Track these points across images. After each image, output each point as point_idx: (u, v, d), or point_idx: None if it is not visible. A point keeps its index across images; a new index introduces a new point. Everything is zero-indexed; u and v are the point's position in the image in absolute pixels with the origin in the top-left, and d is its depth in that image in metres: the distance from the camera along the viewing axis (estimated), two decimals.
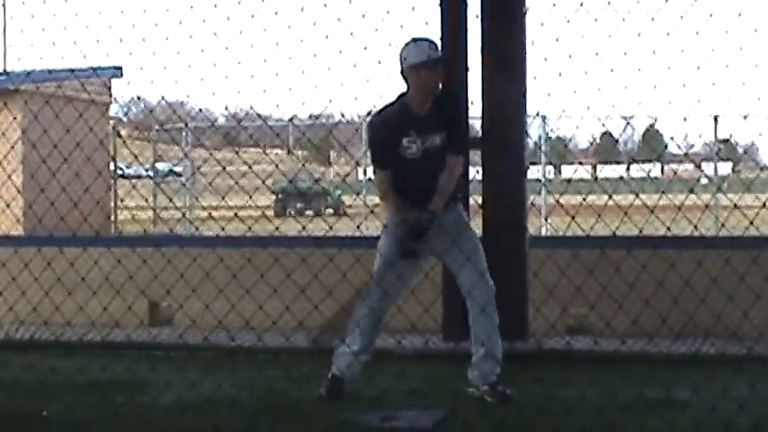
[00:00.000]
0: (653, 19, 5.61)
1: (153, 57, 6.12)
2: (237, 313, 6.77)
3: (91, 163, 8.11)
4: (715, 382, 5.21)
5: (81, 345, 7.06)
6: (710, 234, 11.56)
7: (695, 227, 5.68)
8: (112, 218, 17.43)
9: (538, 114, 15.60)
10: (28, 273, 7.15)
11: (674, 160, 23.27)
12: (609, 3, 5.86)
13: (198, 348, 6.80)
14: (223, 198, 6.36)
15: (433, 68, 5.11)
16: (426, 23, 6.62)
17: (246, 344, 6.83)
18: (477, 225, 7.04)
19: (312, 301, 6.48)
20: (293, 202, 25.89)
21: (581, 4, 6.01)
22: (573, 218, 6.18)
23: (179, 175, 21.46)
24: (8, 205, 7.62)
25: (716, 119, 17.38)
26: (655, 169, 22.41)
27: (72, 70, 9.31)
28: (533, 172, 15.67)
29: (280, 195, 25.48)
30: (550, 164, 18.62)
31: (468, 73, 7.02)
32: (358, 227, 8.20)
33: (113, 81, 17.63)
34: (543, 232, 14.06)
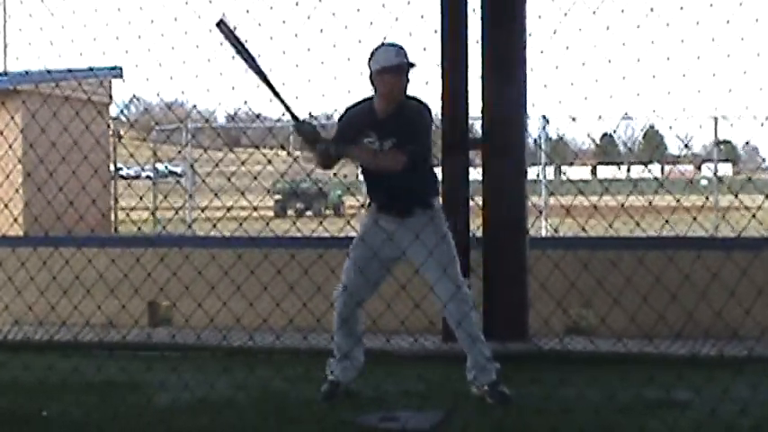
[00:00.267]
0: (651, 9, 5.58)
1: (151, 57, 6.11)
2: (235, 313, 6.76)
3: (90, 163, 8.08)
4: (715, 384, 5.19)
5: (79, 345, 7.05)
6: (710, 234, 11.55)
7: (695, 218, 5.65)
8: (112, 218, 17.42)
9: (544, 119, 15.63)
10: (25, 273, 7.15)
11: (674, 161, 23.28)
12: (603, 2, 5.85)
13: (196, 348, 6.79)
14: (229, 208, 6.33)
15: (398, 75, 5.16)
16: (426, 23, 6.61)
17: (246, 344, 6.83)
18: (476, 226, 7.07)
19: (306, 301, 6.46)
20: (293, 203, 25.89)
21: (574, 3, 6.00)
22: (573, 217, 6.16)
23: (179, 175, 21.45)
24: (6, 205, 7.59)
25: (716, 120, 17.37)
26: (655, 170, 22.40)
27: (71, 70, 9.29)
28: (533, 172, 15.70)
29: (279, 196, 25.48)
30: (551, 164, 18.60)
31: (468, 73, 7.02)
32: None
33: (113, 81, 17.63)
34: (543, 233, 14.06)
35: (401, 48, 5.23)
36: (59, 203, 7.36)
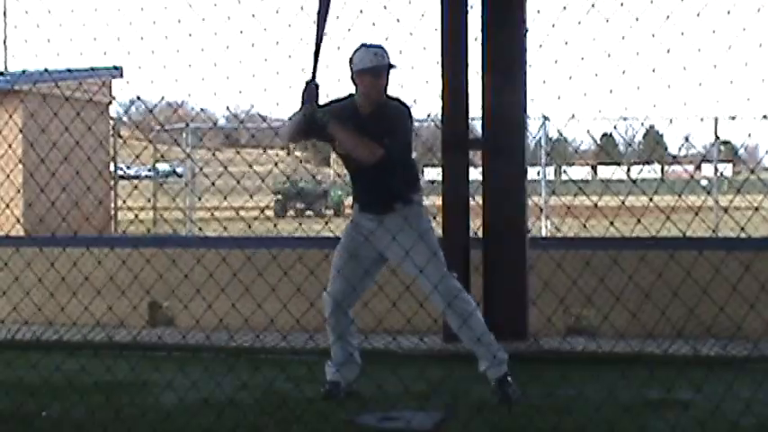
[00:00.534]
0: (653, 2, 5.55)
1: (152, 56, 6.10)
2: (238, 313, 6.76)
3: (91, 163, 8.08)
4: (717, 382, 5.19)
5: (83, 345, 7.04)
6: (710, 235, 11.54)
7: (696, 214, 5.64)
8: (113, 218, 17.41)
9: (545, 120, 15.61)
10: (29, 273, 7.14)
11: (674, 161, 23.25)
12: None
13: (198, 349, 6.79)
14: (225, 198, 6.32)
15: (377, 76, 5.21)
16: (427, 23, 6.60)
17: (247, 344, 6.84)
18: (476, 226, 7.06)
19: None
20: (293, 203, 25.90)
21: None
22: (576, 217, 6.15)
23: (180, 175, 21.45)
24: (7, 205, 7.60)
25: (716, 120, 17.37)
26: (655, 169, 22.38)
27: (71, 70, 9.29)
28: (533, 172, 15.69)
29: (279, 196, 25.48)
30: (551, 164, 18.59)
31: (469, 72, 7.01)
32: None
33: (113, 81, 17.62)
34: (543, 232, 14.06)
35: (380, 48, 5.26)
36: (59, 203, 7.34)
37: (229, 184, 6.53)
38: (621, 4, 5.74)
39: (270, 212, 22.76)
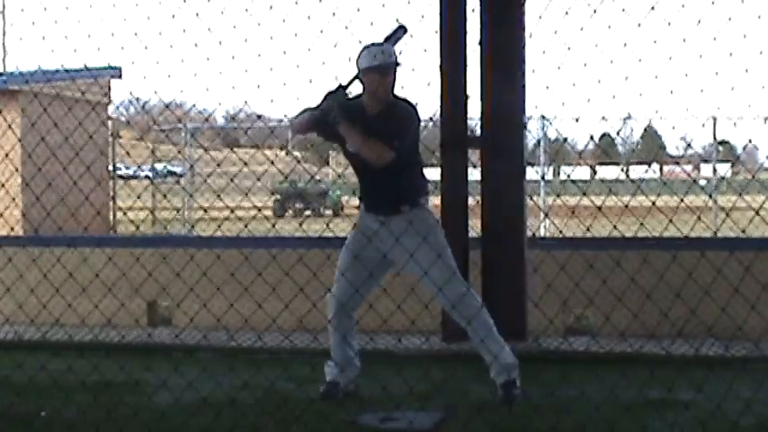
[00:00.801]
0: (652, 8, 5.55)
1: (150, 56, 6.09)
2: (237, 312, 6.75)
3: (89, 163, 8.08)
4: (718, 382, 5.19)
5: (81, 345, 7.03)
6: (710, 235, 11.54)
7: (699, 217, 5.65)
8: (111, 218, 17.41)
9: (544, 119, 15.62)
10: (25, 273, 7.13)
11: (672, 161, 23.27)
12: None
13: (196, 348, 6.78)
14: (219, 196, 6.31)
15: (383, 74, 5.19)
16: (426, 23, 6.59)
17: (245, 343, 6.83)
18: (475, 226, 7.06)
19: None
20: (292, 203, 25.90)
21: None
22: (577, 217, 6.15)
23: (178, 175, 21.44)
24: (6, 207, 7.59)
25: (715, 120, 17.37)
26: (654, 170, 22.40)
27: (70, 71, 9.27)
28: (532, 172, 15.68)
29: (278, 195, 25.49)
30: (550, 164, 18.60)
31: (468, 72, 7.00)
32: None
33: (112, 81, 17.62)
34: (542, 232, 14.04)
35: (387, 47, 5.25)
36: (58, 204, 7.34)
37: (230, 184, 6.52)
38: (623, 10, 5.74)
39: (269, 212, 22.77)
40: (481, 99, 7.06)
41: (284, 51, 5.81)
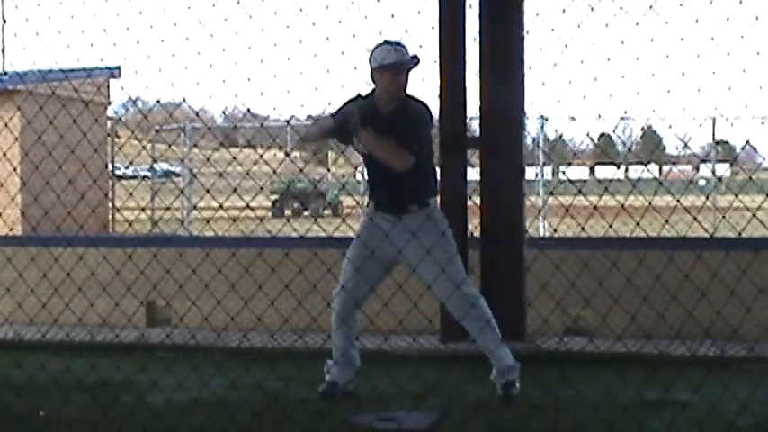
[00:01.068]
0: (650, 7, 5.55)
1: (150, 58, 6.09)
2: (231, 313, 6.74)
3: (88, 164, 8.07)
4: (715, 383, 5.18)
5: (79, 345, 7.03)
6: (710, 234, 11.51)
7: (695, 219, 5.64)
8: (110, 218, 17.41)
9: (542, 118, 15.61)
10: (24, 273, 7.13)
11: (672, 161, 23.27)
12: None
13: (195, 349, 6.78)
14: (212, 196, 6.31)
15: (397, 72, 5.19)
16: (424, 20, 6.60)
17: (244, 344, 6.83)
18: (474, 225, 7.05)
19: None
20: (291, 204, 25.87)
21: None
22: (572, 217, 6.14)
23: (177, 175, 21.44)
24: (5, 208, 7.60)
25: (714, 120, 17.38)
26: (653, 170, 22.40)
27: (69, 71, 9.28)
28: (531, 172, 15.69)
29: (277, 196, 25.47)
30: (549, 164, 18.60)
31: (466, 71, 7.00)
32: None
33: (111, 82, 17.62)
34: (541, 232, 14.05)
35: (401, 45, 5.24)
36: (56, 203, 7.34)
37: (229, 184, 6.52)
38: (621, 8, 5.73)
39: (267, 213, 22.76)
40: (480, 98, 7.06)
41: (288, 58, 5.82)
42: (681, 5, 5.54)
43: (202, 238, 9.37)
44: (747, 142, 6.05)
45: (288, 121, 14.67)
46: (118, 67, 16.73)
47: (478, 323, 5.19)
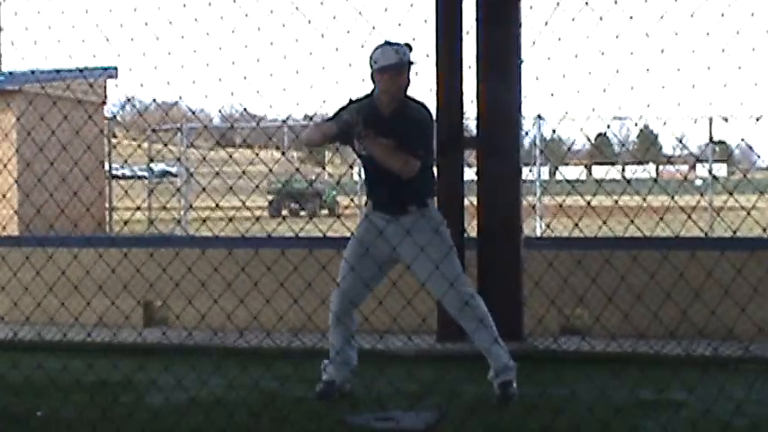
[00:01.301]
0: (645, 1, 5.55)
1: (146, 57, 6.09)
2: (230, 312, 6.75)
3: (84, 163, 8.07)
4: (710, 383, 5.20)
5: (75, 346, 7.03)
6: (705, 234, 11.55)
7: (689, 216, 5.65)
8: (106, 218, 17.40)
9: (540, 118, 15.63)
10: (23, 273, 7.12)
11: (668, 161, 23.29)
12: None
13: (193, 349, 6.78)
14: (207, 195, 6.33)
15: (398, 73, 5.19)
16: (421, 20, 6.60)
17: (243, 344, 6.83)
18: (471, 225, 7.06)
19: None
20: (288, 203, 25.88)
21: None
22: (569, 216, 6.15)
23: (174, 175, 21.43)
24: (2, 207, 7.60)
25: (711, 120, 17.40)
26: (649, 169, 22.41)
27: (66, 71, 9.27)
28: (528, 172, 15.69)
29: (274, 196, 25.47)
30: (546, 163, 18.61)
31: (463, 71, 7.00)
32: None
33: (108, 81, 17.61)
34: (538, 232, 14.07)
35: (401, 46, 5.23)
36: (53, 204, 7.33)
37: (226, 184, 6.52)
38: (615, 2, 5.73)
39: (264, 213, 22.74)
40: (477, 98, 7.06)
41: (284, 56, 5.82)
42: (676, 0, 5.55)
43: (199, 238, 9.38)
44: (743, 140, 6.03)
45: (284, 121, 14.70)
46: (114, 68, 16.72)
47: (474, 321, 5.20)
